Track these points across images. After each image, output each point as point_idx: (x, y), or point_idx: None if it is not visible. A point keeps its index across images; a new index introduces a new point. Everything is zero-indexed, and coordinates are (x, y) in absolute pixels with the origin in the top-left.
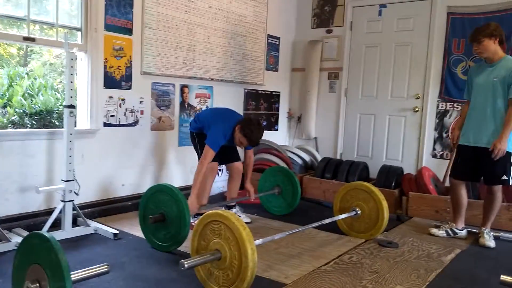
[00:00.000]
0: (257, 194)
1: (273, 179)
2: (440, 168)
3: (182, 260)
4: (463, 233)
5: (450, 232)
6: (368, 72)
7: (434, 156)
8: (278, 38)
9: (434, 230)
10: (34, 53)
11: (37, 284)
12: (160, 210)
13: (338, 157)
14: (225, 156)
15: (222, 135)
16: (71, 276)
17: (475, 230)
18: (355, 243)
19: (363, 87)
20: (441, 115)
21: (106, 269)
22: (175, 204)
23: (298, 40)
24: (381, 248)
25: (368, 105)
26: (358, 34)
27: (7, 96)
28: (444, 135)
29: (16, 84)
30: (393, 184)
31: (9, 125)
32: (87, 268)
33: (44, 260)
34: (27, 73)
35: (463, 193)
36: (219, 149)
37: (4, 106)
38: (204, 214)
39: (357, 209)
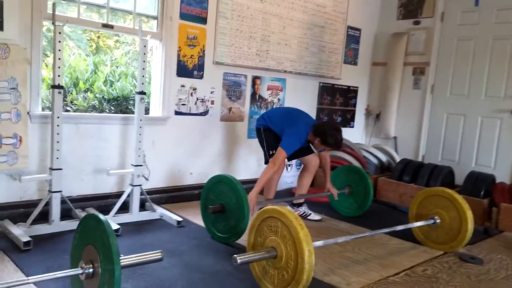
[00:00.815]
0: (326, 192)
1: (345, 178)
2: None
3: (235, 255)
4: None
5: None
6: (459, 68)
7: None
8: (359, 29)
9: None
10: (122, 43)
11: (90, 265)
12: (220, 201)
13: (420, 160)
14: (298, 151)
15: (298, 139)
16: (122, 260)
17: None
18: (432, 254)
19: (453, 84)
20: None
21: (160, 256)
22: (234, 195)
23: (381, 32)
24: (462, 263)
25: (458, 104)
26: (450, 26)
27: (90, 82)
28: None
29: (99, 71)
30: (482, 193)
31: (89, 109)
32: (141, 254)
33: (98, 241)
34: (111, 61)
35: None
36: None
37: (86, 91)
38: (262, 209)
39: (436, 217)
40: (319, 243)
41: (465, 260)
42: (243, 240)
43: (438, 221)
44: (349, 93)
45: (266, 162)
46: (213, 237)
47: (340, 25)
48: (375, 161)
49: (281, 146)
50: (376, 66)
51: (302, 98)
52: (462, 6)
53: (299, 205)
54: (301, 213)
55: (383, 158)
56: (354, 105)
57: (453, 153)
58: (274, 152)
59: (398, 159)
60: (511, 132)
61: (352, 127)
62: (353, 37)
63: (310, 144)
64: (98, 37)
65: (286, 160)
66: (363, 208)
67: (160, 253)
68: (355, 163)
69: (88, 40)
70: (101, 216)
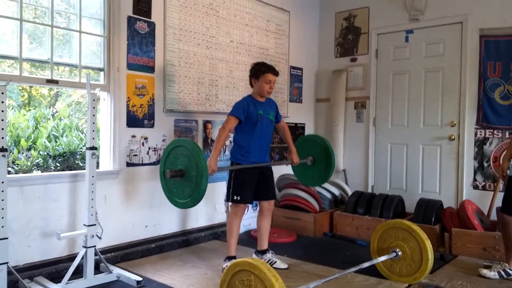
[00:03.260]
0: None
1: (307, 149)
2: (483, 200)
3: None
4: None
5: (503, 273)
6: (397, 100)
7: (476, 187)
8: (301, 69)
9: (485, 271)
10: (63, 93)
11: None
12: (179, 166)
13: (370, 191)
14: (263, 190)
15: (241, 103)
16: None
17: None
18: None
19: (393, 115)
20: (480, 143)
21: None
22: (194, 159)
23: (322, 70)
24: None
25: (399, 134)
26: (384, 62)
27: (32, 138)
28: (485, 164)
29: (42, 126)
30: (433, 219)
31: (34, 167)
32: None
33: None
34: (52, 115)
35: None
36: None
37: (29, 149)
38: (232, 262)
39: (397, 249)
40: None
41: None
42: None
43: (400, 253)
44: (297, 130)
45: (227, 200)
46: (174, 204)
47: (283, 66)
48: (328, 195)
49: (229, 114)
50: (320, 102)
51: None
52: (393, 42)
53: (264, 252)
54: (266, 260)
55: (336, 192)
56: None
57: (400, 182)
58: (237, 198)
59: (349, 191)
60: (451, 157)
61: None
62: (296, 76)
63: (261, 96)
64: (31, 86)
65: (244, 207)
66: (325, 178)
67: None
68: (311, 199)
69: (19, 90)
70: None
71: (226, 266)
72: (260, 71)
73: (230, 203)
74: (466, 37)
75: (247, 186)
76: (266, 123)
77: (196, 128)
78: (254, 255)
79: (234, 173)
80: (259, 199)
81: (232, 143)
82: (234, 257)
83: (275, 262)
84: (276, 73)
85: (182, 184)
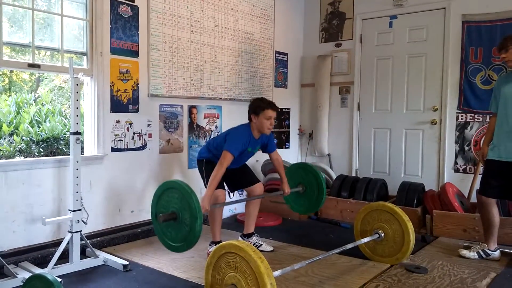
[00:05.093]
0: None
1: (297, 177)
2: (463, 183)
3: None
4: (496, 254)
5: (482, 253)
6: (381, 85)
7: (457, 170)
8: (286, 54)
9: (465, 252)
10: (45, 78)
11: None
12: (171, 208)
13: (354, 174)
14: (239, 180)
15: (240, 137)
16: None
17: (508, 251)
18: (380, 269)
19: (377, 100)
20: (461, 127)
21: None
22: (186, 201)
23: (307, 55)
24: (409, 274)
25: (383, 119)
26: (368, 47)
27: (14, 124)
28: (466, 148)
29: (24, 111)
30: (415, 202)
31: (16, 153)
32: None
33: None
34: (34, 100)
35: (495, 211)
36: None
37: (11, 134)
38: (218, 246)
39: (380, 231)
40: (277, 273)
41: (411, 271)
42: (201, 279)
43: (382, 235)
44: (282, 115)
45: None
46: (167, 247)
47: (268, 51)
48: None
49: (224, 148)
50: (305, 87)
51: (238, 123)
52: (377, 28)
53: (250, 235)
54: (252, 243)
55: None
56: (288, 126)
57: (383, 166)
58: None
59: (334, 175)
60: (433, 141)
61: (288, 147)
62: (281, 62)
63: (259, 132)
64: (11, 71)
65: (223, 192)
66: (318, 205)
67: None
68: None
69: None
70: (49, 277)
71: (212, 250)
72: (259, 107)
73: None
74: (448, 22)
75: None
76: (245, 154)
77: (181, 113)
78: (240, 239)
79: (205, 167)
80: (242, 188)
81: (205, 145)
82: (220, 242)
83: (261, 245)
84: (276, 108)
85: (176, 226)
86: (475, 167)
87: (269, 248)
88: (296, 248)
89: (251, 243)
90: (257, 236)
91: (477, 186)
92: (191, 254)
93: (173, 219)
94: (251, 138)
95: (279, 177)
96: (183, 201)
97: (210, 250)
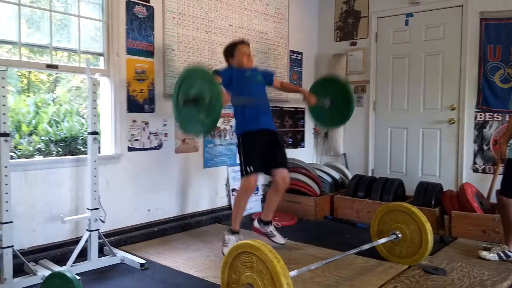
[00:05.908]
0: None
1: (324, 90)
2: (482, 183)
3: None
4: None
5: (502, 255)
6: (397, 84)
7: (475, 170)
8: (300, 53)
9: (484, 253)
10: (62, 79)
11: None
12: (193, 92)
13: (370, 174)
14: (267, 160)
15: (222, 71)
16: None
17: None
18: (398, 270)
19: (393, 99)
20: (480, 126)
21: None
22: (208, 86)
23: (322, 54)
24: (428, 275)
25: (399, 118)
26: (384, 45)
27: (33, 123)
28: (485, 147)
29: (42, 111)
30: (432, 202)
31: (35, 152)
32: None
33: None
34: (52, 100)
35: None
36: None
37: (31, 134)
38: (234, 245)
39: (397, 232)
40: (293, 273)
41: (430, 272)
42: (217, 279)
43: (399, 235)
44: (297, 115)
45: (242, 175)
46: (187, 131)
47: (282, 50)
48: (329, 179)
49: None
50: None
51: None
52: (393, 26)
53: (267, 223)
54: (267, 232)
55: (336, 175)
56: (303, 126)
57: (400, 165)
58: (250, 169)
59: (349, 175)
60: (451, 141)
61: (303, 147)
62: (296, 61)
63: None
64: (29, 72)
65: (256, 178)
66: (346, 118)
67: None
68: (311, 183)
69: (18, 75)
70: (69, 274)
71: (228, 239)
72: (231, 48)
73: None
74: (466, 20)
75: (256, 154)
76: (249, 82)
77: None
78: (255, 223)
79: (241, 144)
80: (272, 168)
81: (234, 121)
82: (238, 232)
83: (275, 236)
84: (247, 42)
85: (196, 111)
86: (495, 167)
87: (283, 241)
88: (312, 248)
89: (266, 230)
90: (274, 225)
91: (497, 186)
92: (207, 254)
93: (195, 101)
94: (233, 69)
95: (301, 178)
96: (204, 85)
97: (226, 239)
